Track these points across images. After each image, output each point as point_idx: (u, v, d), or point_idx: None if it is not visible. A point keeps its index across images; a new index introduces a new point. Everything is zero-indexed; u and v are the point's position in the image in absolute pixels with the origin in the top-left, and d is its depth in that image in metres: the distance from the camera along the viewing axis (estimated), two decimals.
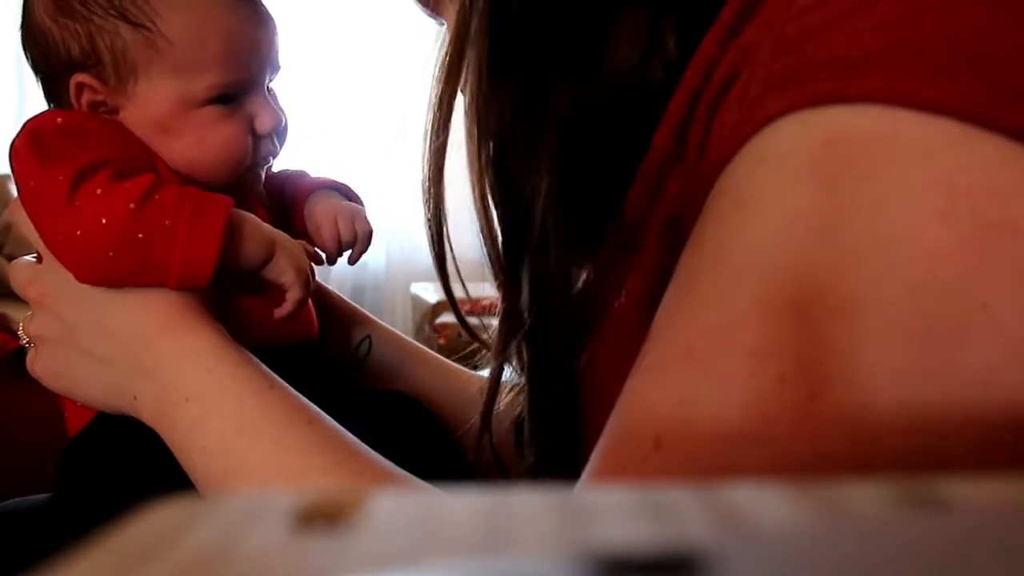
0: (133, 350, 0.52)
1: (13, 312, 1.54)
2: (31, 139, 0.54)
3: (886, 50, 0.28)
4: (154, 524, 0.16)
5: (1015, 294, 0.26)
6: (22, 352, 1.67)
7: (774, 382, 0.27)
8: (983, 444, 0.26)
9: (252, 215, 0.57)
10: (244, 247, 0.55)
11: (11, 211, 0.57)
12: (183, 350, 0.51)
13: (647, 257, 0.39)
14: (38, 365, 0.57)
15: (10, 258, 1.61)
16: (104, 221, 0.51)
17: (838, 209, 0.28)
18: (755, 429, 0.27)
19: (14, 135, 0.55)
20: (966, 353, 0.26)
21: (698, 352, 0.29)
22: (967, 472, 0.25)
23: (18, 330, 0.59)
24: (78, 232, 0.51)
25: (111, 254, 0.51)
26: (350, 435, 0.49)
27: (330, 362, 0.66)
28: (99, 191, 0.51)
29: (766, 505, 0.16)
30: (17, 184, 0.55)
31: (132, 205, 0.51)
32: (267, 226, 0.57)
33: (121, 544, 0.15)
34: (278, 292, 0.60)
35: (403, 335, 0.74)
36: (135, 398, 0.52)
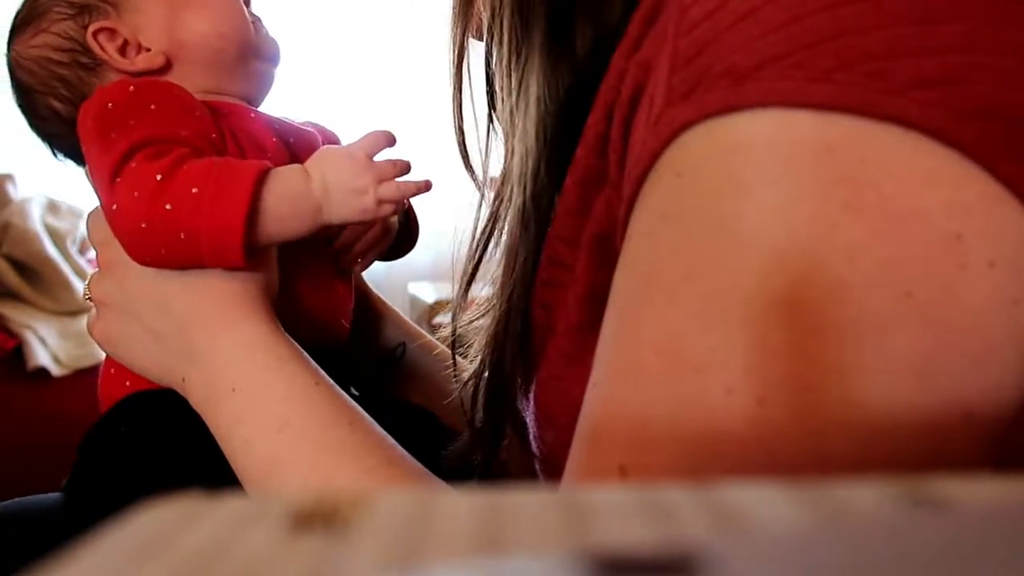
0: (187, 332, 0.52)
1: (12, 312, 1.54)
2: (98, 113, 0.54)
3: (776, 55, 0.29)
4: (154, 523, 0.16)
5: (935, 280, 0.26)
6: (20, 352, 1.66)
7: (723, 394, 0.27)
8: (931, 434, 0.26)
9: (294, 172, 0.53)
10: (280, 208, 0.52)
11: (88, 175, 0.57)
12: (234, 340, 0.51)
13: (579, 276, 0.39)
14: (96, 329, 0.57)
15: (8, 257, 1.59)
16: (136, 195, 0.50)
17: (755, 214, 0.28)
18: (714, 443, 0.27)
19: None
20: (897, 344, 0.26)
21: (646, 374, 0.29)
22: (951, 469, 0.26)
23: (85, 285, 0.59)
24: (114, 207, 0.51)
25: (144, 226, 0.50)
26: (390, 438, 0.49)
27: (359, 367, 0.66)
28: (134, 165, 0.51)
29: (765, 505, 0.16)
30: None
31: (159, 176, 0.50)
32: (313, 181, 0.53)
33: (120, 543, 0.15)
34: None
35: (437, 343, 0.74)
36: (184, 380, 0.53)
